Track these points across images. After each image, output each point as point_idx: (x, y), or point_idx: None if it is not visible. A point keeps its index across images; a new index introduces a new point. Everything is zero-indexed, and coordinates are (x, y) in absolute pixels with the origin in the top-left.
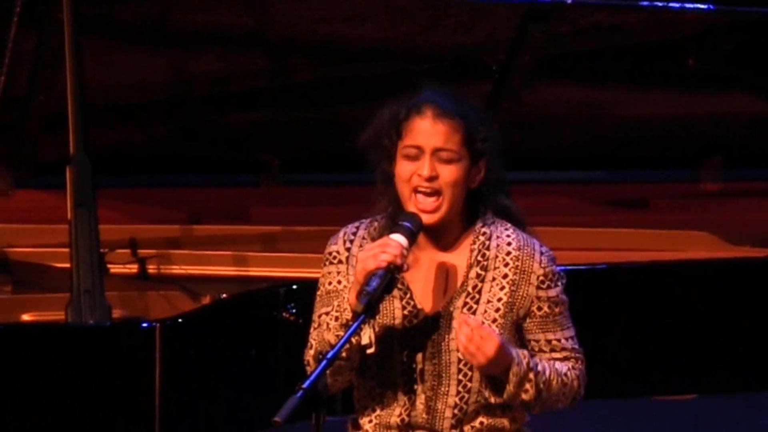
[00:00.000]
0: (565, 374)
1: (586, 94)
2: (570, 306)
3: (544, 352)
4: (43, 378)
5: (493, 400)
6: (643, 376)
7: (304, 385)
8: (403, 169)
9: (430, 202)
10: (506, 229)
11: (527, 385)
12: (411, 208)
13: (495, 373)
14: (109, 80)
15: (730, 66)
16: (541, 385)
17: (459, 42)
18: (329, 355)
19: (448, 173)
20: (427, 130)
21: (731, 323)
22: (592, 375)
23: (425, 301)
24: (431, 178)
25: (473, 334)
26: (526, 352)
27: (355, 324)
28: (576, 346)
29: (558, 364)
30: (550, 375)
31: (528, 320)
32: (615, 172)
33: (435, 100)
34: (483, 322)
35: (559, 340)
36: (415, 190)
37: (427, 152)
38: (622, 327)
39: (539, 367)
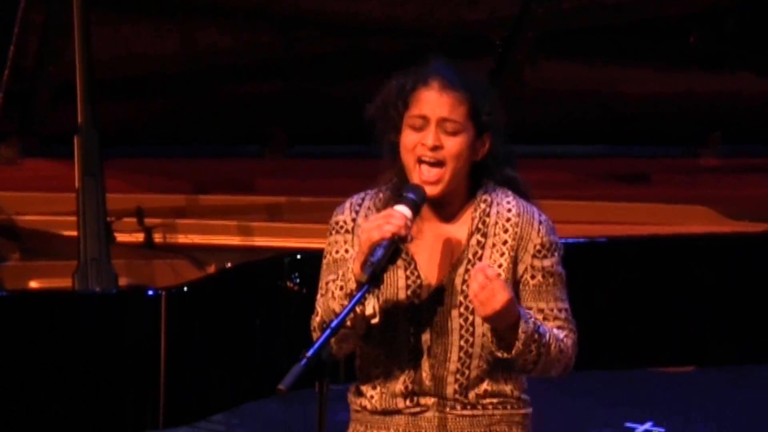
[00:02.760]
0: (562, 340)
1: (587, 70)
2: (570, 278)
3: (537, 320)
4: (50, 344)
5: (500, 354)
6: (641, 347)
7: (308, 354)
8: (408, 139)
9: (433, 173)
10: (507, 197)
11: (532, 346)
12: (415, 179)
13: (499, 327)
14: (118, 52)
15: (731, 44)
16: (542, 348)
17: (463, 18)
18: (333, 325)
19: (452, 145)
20: (433, 101)
21: (729, 296)
22: (590, 346)
23: (429, 272)
24: (435, 148)
25: (486, 284)
26: (531, 312)
27: (359, 294)
28: (569, 318)
29: (555, 330)
30: (549, 338)
31: (521, 287)
32: (616, 147)
33: (441, 72)
34: (499, 275)
35: (552, 310)
36: (419, 161)
37: (432, 122)
38: (621, 299)
39: (541, 329)
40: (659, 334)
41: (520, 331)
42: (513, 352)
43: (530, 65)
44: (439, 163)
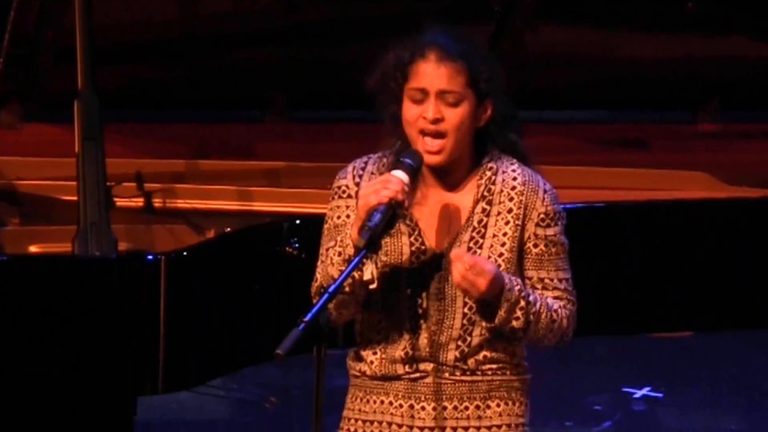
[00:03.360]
0: (556, 311)
1: (586, 35)
2: (569, 244)
3: (536, 289)
4: (50, 309)
5: (484, 324)
6: (638, 313)
7: (306, 319)
8: (409, 112)
9: (436, 144)
10: (512, 164)
11: (518, 313)
12: (418, 148)
13: (488, 299)
14: (119, 18)
15: (729, 8)
16: (531, 316)
17: None
18: (330, 290)
19: (453, 116)
20: (431, 73)
21: (727, 262)
22: (590, 312)
23: (433, 239)
24: (436, 120)
25: (466, 272)
26: (519, 280)
27: (356, 259)
28: (569, 288)
29: (550, 300)
30: (540, 307)
31: (524, 255)
32: (614, 112)
33: (438, 43)
34: (489, 257)
35: (552, 280)
36: (422, 133)
37: (431, 94)
38: (619, 265)
39: (531, 298)
40: (657, 299)
41: (502, 299)
42: (495, 320)
43: (528, 30)
44: (441, 135)
